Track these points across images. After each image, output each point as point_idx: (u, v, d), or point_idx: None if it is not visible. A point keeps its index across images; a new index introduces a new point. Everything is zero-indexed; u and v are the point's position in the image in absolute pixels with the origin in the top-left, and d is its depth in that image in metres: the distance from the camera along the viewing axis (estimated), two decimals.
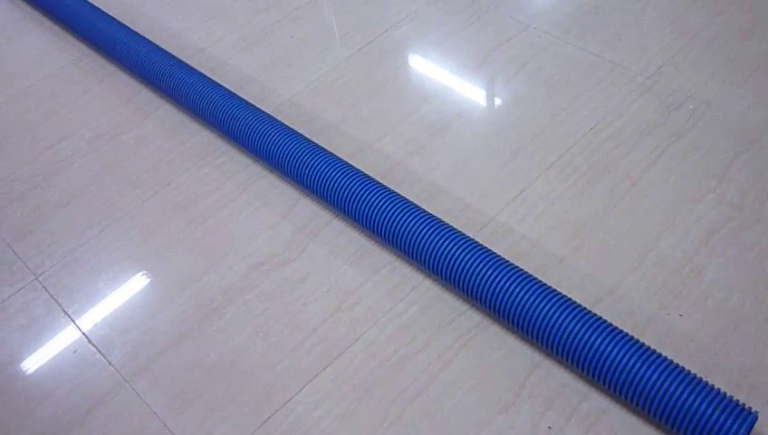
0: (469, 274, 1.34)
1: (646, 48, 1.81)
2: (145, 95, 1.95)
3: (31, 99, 2.01)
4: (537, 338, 1.28)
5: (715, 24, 1.84)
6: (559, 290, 1.30)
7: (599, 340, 1.21)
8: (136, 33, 1.99)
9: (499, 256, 1.36)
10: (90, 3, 2.14)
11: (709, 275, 1.38)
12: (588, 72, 1.78)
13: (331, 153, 1.58)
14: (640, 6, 1.91)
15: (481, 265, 1.34)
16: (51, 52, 2.14)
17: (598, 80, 1.76)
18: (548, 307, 1.27)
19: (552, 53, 1.84)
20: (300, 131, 1.66)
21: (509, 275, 1.32)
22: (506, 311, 1.30)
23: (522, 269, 1.34)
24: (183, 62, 1.88)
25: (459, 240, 1.38)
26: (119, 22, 2.04)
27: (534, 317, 1.27)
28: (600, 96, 1.72)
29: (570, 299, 1.28)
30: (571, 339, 1.23)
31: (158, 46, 1.94)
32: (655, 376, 1.16)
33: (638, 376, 1.17)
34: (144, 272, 1.57)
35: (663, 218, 1.48)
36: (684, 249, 1.43)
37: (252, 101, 1.77)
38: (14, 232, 1.69)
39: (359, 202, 1.48)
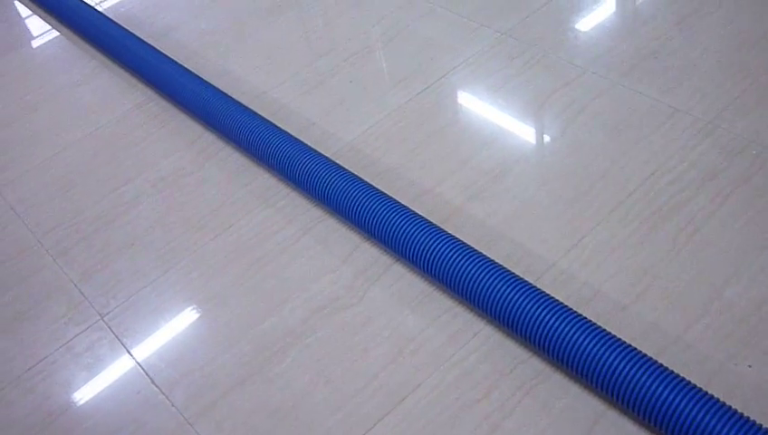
0: (531, 320, 1.34)
1: (706, 92, 1.80)
2: (207, 138, 1.99)
3: (97, 141, 2.07)
4: (601, 387, 1.27)
5: None
6: (622, 338, 1.29)
7: (665, 391, 1.19)
8: (199, 77, 2.04)
9: (561, 302, 1.35)
10: (154, 48, 2.20)
11: None
12: (647, 116, 1.78)
13: (391, 198, 1.60)
14: (699, 50, 1.91)
15: (543, 312, 1.33)
16: (116, 95, 2.20)
17: (658, 124, 1.75)
18: (612, 356, 1.26)
19: (610, 98, 1.84)
20: (360, 176, 1.68)
21: (572, 322, 1.31)
22: (569, 359, 1.29)
23: (584, 316, 1.33)
24: (244, 105, 1.92)
25: (521, 286, 1.38)
26: (182, 66, 2.09)
27: (598, 366, 1.26)
28: (661, 141, 1.71)
29: (634, 348, 1.27)
30: (635, 389, 1.22)
31: (220, 90, 1.98)
32: (725, 429, 1.14)
33: (708, 428, 1.15)
34: (206, 314, 1.59)
35: (728, 265, 1.46)
36: (750, 297, 1.41)
37: (312, 145, 1.79)
38: (81, 272, 1.73)
39: (420, 247, 1.49)
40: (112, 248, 1.77)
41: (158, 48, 2.21)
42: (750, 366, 1.31)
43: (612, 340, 1.28)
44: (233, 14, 2.42)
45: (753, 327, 1.36)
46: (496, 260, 1.47)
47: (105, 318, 1.63)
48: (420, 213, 1.58)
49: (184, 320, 1.59)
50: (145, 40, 2.25)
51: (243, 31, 2.34)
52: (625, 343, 1.27)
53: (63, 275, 1.73)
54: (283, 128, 1.83)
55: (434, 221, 1.58)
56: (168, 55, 2.16)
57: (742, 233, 1.51)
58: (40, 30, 2.60)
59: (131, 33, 2.28)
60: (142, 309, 1.63)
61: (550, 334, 1.31)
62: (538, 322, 1.33)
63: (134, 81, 2.24)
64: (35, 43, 2.55)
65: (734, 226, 1.52)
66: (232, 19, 2.39)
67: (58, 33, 2.54)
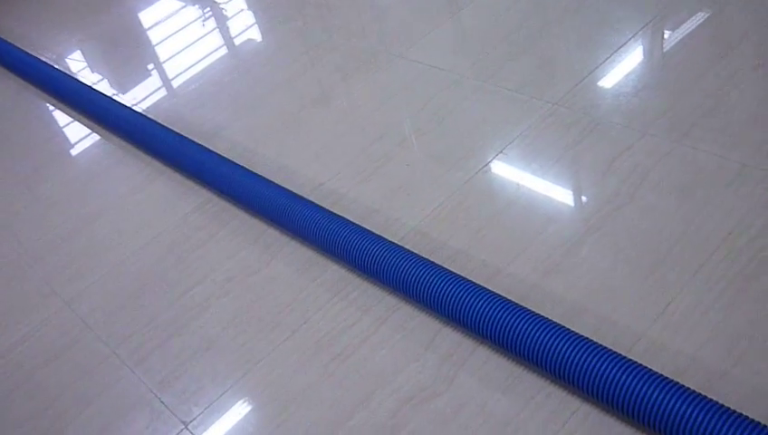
0: (630, 395, 1.30)
1: None
2: (271, 234, 1.99)
3: (161, 247, 2.08)
4: None
5: None
6: (728, 406, 1.25)
7: None
8: (256, 174, 2.06)
9: (659, 373, 1.32)
10: (208, 149, 2.22)
11: None
12: (715, 174, 1.75)
13: (468, 280, 1.58)
14: (758, 103, 1.89)
15: (643, 386, 1.29)
16: (175, 199, 2.22)
17: (727, 182, 1.73)
18: (719, 424, 1.21)
19: (674, 159, 1.82)
20: (430, 259, 1.67)
21: (675, 393, 1.27)
22: (677, 432, 1.25)
23: (685, 386, 1.29)
24: (305, 198, 1.92)
25: (615, 360, 1.35)
26: (239, 165, 2.11)
27: None
28: (733, 198, 1.69)
29: (741, 415, 1.22)
30: None
31: (278, 185, 1.99)
32: None
33: None
34: (292, 415, 1.56)
35: None
36: None
37: (377, 232, 1.78)
38: (160, 380, 1.72)
39: (504, 328, 1.46)
40: (188, 354, 1.76)
41: (212, 148, 2.24)
42: None
43: (720, 409, 1.23)
44: (279, 108, 2.45)
45: None
46: (583, 334, 1.44)
47: (189, 426, 1.61)
48: (499, 292, 1.55)
49: (270, 422, 1.56)
50: (196, 141, 2.28)
51: (292, 124, 2.36)
52: (734, 411, 1.23)
53: (142, 385, 1.72)
54: (346, 217, 1.83)
55: (513, 299, 1.55)
56: (224, 156, 2.18)
57: None
58: (88, 138, 2.65)
59: (184, 137, 2.31)
60: (226, 415, 1.61)
61: (655, 408, 1.27)
62: (639, 395, 1.29)
63: (190, 183, 2.26)
64: (85, 153, 2.60)
65: None
66: (279, 114, 2.42)
67: (106, 141, 2.58)
